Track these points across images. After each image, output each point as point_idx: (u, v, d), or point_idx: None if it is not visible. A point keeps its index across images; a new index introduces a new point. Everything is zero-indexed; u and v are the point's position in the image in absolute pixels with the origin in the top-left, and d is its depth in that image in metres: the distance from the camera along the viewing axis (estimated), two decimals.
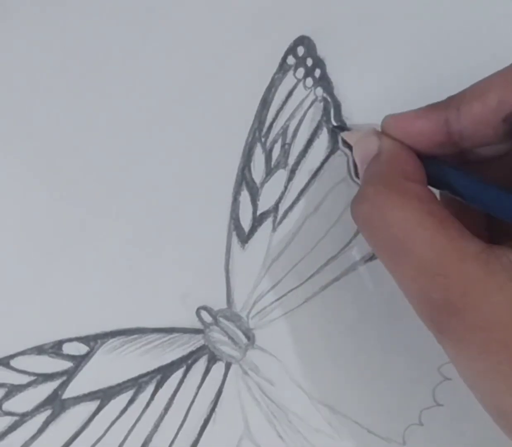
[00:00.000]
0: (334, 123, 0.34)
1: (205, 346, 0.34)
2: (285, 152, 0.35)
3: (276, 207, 0.35)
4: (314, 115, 0.35)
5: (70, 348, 0.33)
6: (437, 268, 0.24)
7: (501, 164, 0.28)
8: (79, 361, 0.33)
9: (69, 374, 0.33)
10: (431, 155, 0.27)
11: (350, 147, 0.31)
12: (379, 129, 0.29)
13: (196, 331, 0.34)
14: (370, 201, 0.25)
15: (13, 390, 0.33)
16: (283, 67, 0.35)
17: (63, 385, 0.33)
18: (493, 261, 0.24)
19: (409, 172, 0.26)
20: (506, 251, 0.24)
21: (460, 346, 0.24)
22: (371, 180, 0.26)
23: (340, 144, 0.34)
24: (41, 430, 0.33)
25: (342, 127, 0.33)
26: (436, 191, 0.28)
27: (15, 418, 0.33)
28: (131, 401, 0.33)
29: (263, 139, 0.34)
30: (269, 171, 0.34)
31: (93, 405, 0.33)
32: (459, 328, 0.24)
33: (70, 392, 0.33)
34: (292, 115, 0.35)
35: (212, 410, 0.34)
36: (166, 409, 0.33)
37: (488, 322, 0.23)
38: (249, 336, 0.34)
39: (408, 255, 0.24)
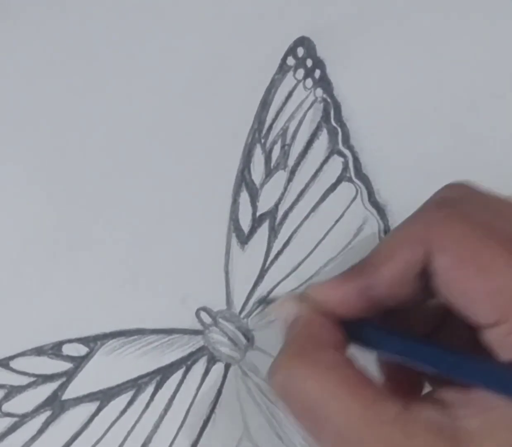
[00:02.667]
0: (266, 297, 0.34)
1: (205, 347, 0.34)
2: (285, 153, 0.35)
3: (275, 208, 0.35)
4: (314, 116, 0.35)
5: (70, 349, 0.33)
6: (355, 436, 0.24)
7: (416, 312, 0.28)
8: (79, 362, 0.33)
9: (69, 375, 0.33)
10: (357, 319, 0.27)
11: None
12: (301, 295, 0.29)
13: (196, 332, 0.34)
14: (283, 371, 0.25)
15: (12, 391, 0.33)
16: (283, 68, 0.35)
17: (63, 386, 0.33)
18: (411, 422, 0.23)
19: (322, 339, 0.26)
20: (424, 408, 0.24)
21: None
22: (285, 349, 0.26)
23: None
24: (41, 431, 0.33)
25: (272, 299, 0.34)
26: None
27: (15, 419, 0.33)
28: (130, 402, 0.33)
29: (262, 140, 0.34)
30: (269, 173, 0.34)
31: (92, 406, 0.33)
32: None
33: (69, 393, 0.33)
34: (292, 116, 0.35)
35: (212, 411, 0.34)
36: (166, 410, 0.34)
37: None
38: (249, 337, 0.34)
39: (325, 425, 0.24)
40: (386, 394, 0.24)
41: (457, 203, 0.26)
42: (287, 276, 0.34)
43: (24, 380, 0.33)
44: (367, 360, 0.27)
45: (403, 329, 0.27)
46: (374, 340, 0.27)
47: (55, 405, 0.33)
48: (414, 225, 0.26)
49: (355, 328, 0.27)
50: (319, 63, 0.35)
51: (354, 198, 0.35)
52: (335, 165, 0.35)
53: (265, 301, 0.34)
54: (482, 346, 0.25)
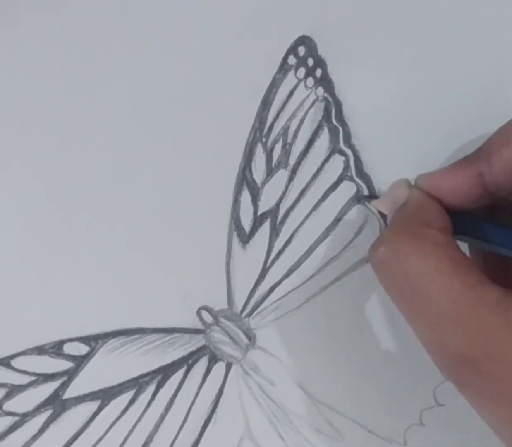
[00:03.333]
0: (365, 194, 0.34)
1: (206, 346, 0.34)
2: (286, 152, 0.35)
3: (277, 207, 0.35)
4: (315, 115, 0.35)
5: (71, 348, 0.33)
6: (454, 316, 0.23)
7: None
8: (80, 361, 0.33)
9: (70, 374, 0.33)
10: (464, 210, 0.27)
11: (382, 215, 0.31)
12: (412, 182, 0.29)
13: (197, 331, 0.34)
14: (387, 245, 0.25)
15: (13, 390, 0.33)
16: (284, 67, 0.35)
17: (64, 385, 0.33)
18: None
19: (431, 220, 0.26)
20: None
21: (481, 398, 0.24)
22: (391, 225, 0.26)
23: (371, 209, 0.34)
24: (42, 430, 0.33)
25: (372, 196, 0.34)
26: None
27: (16, 418, 0.33)
28: (132, 401, 0.33)
29: (264, 139, 0.34)
30: (270, 172, 0.34)
31: (94, 405, 0.33)
32: (478, 379, 0.23)
33: (71, 392, 0.33)
34: (293, 115, 0.35)
35: (213, 410, 0.34)
36: (167, 409, 0.33)
37: (508, 373, 0.23)
38: (250, 336, 0.34)
39: (424, 302, 0.24)
40: (488, 279, 0.24)
41: None
42: (289, 275, 0.34)
43: (25, 379, 0.33)
44: None
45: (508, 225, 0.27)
46: (480, 232, 0.27)
47: (56, 404, 0.33)
48: None
49: (461, 220, 0.27)
50: (320, 62, 0.35)
51: (355, 197, 0.35)
52: (336, 164, 0.35)
53: (366, 198, 0.33)
54: None
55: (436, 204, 0.27)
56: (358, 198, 0.34)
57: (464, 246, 0.27)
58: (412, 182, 0.29)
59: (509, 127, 0.26)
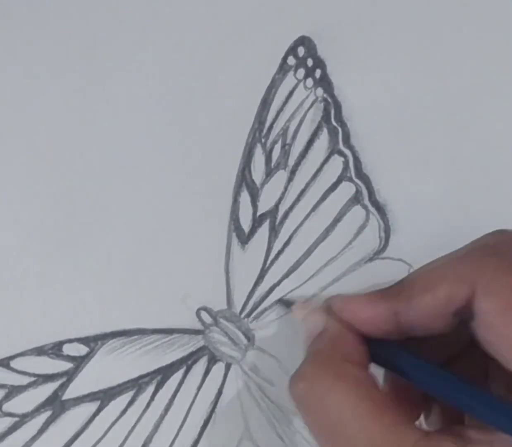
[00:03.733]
0: (283, 298, 0.34)
1: (205, 346, 0.34)
2: (285, 153, 0.35)
3: (276, 208, 0.35)
4: (314, 116, 0.35)
5: (70, 349, 0.33)
6: None
7: (443, 341, 0.28)
8: (79, 362, 0.33)
9: (69, 375, 0.33)
10: (377, 338, 0.27)
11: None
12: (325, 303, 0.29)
13: (196, 332, 0.34)
14: (307, 381, 0.25)
15: (13, 391, 0.33)
16: (283, 68, 0.35)
17: (63, 386, 0.33)
18: None
19: (350, 355, 0.26)
20: (444, 440, 0.24)
21: None
22: (311, 359, 0.26)
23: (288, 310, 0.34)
24: (41, 431, 0.33)
25: (289, 301, 0.34)
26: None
27: (15, 419, 0.33)
28: (131, 402, 0.33)
29: (263, 140, 0.34)
30: (269, 172, 0.34)
31: (93, 406, 0.33)
32: None
33: (70, 393, 0.33)
34: (292, 116, 0.35)
35: (212, 410, 0.34)
36: (166, 410, 0.34)
37: None
38: (249, 337, 0.34)
39: (342, 441, 0.24)
40: (407, 417, 0.24)
41: (505, 252, 0.26)
42: (288, 275, 0.34)
43: (24, 380, 0.33)
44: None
45: (421, 353, 0.27)
46: (396, 362, 0.27)
47: (56, 405, 0.33)
48: (460, 264, 0.26)
49: (377, 347, 0.27)
50: (319, 63, 0.35)
51: (355, 198, 0.35)
52: (336, 165, 0.35)
53: (283, 303, 0.34)
54: (495, 381, 0.25)
55: (353, 336, 0.27)
56: (276, 301, 0.34)
57: None
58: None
59: (434, 271, 0.27)
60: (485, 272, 0.25)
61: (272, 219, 0.34)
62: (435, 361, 0.28)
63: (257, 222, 0.34)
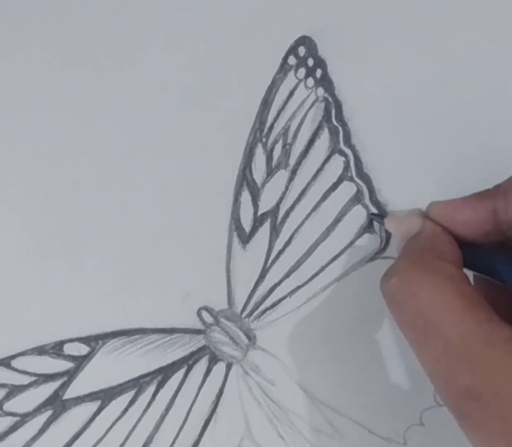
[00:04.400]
0: (372, 211, 0.34)
1: (206, 346, 0.34)
2: (286, 152, 0.35)
3: (277, 207, 0.35)
4: (315, 115, 0.35)
5: (71, 349, 0.33)
6: (463, 351, 0.23)
7: None
8: (80, 361, 0.33)
9: (70, 375, 0.33)
10: (474, 243, 0.27)
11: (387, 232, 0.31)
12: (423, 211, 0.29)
13: (197, 332, 0.34)
14: (400, 275, 0.25)
15: (14, 390, 0.33)
16: (284, 68, 0.35)
17: (64, 386, 0.33)
18: None
19: (445, 253, 0.26)
20: None
21: (481, 434, 0.24)
22: (404, 256, 0.26)
23: (376, 228, 0.34)
24: (42, 431, 0.33)
25: (380, 214, 0.34)
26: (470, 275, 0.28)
27: (16, 418, 0.33)
28: (132, 401, 0.33)
29: (264, 140, 0.34)
30: (270, 172, 0.34)
31: (94, 406, 0.33)
32: (481, 415, 0.23)
33: (71, 392, 0.33)
34: (293, 116, 0.35)
35: (213, 410, 0.34)
36: (167, 410, 0.33)
37: (511, 411, 0.23)
38: (250, 336, 0.34)
39: (434, 335, 0.24)
40: (498, 317, 0.24)
41: None
42: (289, 275, 0.34)
43: (25, 380, 0.33)
44: None
45: None
46: (491, 267, 0.26)
47: (56, 405, 0.33)
48: None
49: (472, 252, 0.27)
50: (320, 63, 0.35)
51: (355, 197, 0.35)
52: (336, 165, 0.35)
53: (375, 216, 0.33)
54: None
55: (449, 237, 0.27)
56: (367, 216, 0.34)
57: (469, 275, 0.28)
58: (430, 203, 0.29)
59: None
60: None
61: (273, 219, 0.34)
62: None
63: (258, 222, 0.34)
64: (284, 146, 0.35)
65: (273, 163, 0.34)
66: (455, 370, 0.23)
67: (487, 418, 0.23)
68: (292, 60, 0.35)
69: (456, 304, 0.24)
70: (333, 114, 0.35)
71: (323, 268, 0.35)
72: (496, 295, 0.28)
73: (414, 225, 0.28)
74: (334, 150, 0.35)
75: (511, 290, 0.27)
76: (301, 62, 0.35)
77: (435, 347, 0.24)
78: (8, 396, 0.33)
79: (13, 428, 0.32)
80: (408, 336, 0.25)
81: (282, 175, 0.35)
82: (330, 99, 0.35)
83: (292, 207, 0.35)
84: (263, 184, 0.34)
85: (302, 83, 0.35)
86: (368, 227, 0.35)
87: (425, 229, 0.27)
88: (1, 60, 0.34)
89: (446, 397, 0.24)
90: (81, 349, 0.33)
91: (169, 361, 0.34)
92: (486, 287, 0.28)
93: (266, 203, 0.34)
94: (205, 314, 0.34)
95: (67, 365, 0.33)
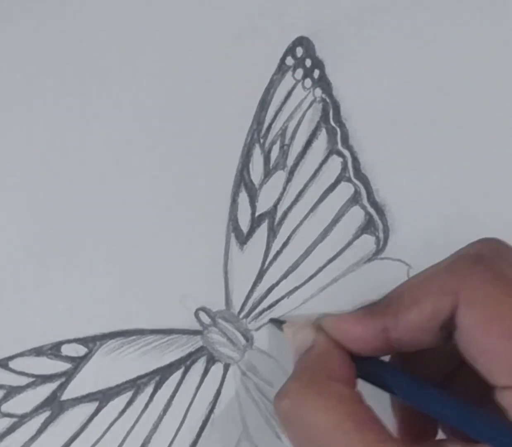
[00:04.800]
0: (274, 317, 0.34)
1: (204, 347, 0.34)
2: (284, 153, 0.35)
3: (274, 208, 0.35)
4: (313, 116, 0.35)
5: (69, 350, 0.33)
6: None
7: (436, 357, 0.28)
8: (78, 362, 0.33)
9: (68, 376, 0.33)
10: (367, 356, 0.27)
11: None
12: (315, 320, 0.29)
13: (195, 332, 0.34)
14: (292, 397, 0.25)
15: (11, 391, 0.33)
16: (282, 68, 0.35)
17: (62, 387, 0.33)
18: None
19: (336, 372, 0.26)
20: None
21: None
22: (295, 376, 0.26)
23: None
24: (40, 432, 0.33)
25: (279, 320, 0.33)
26: None
27: (14, 419, 0.33)
28: (129, 402, 0.33)
29: (261, 141, 0.34)
30: (268, 173, 0.34)
31: (91, 407, 0.33)
32: None
33: (68, 393, 0.33)
34: (290, 116, 0.35)
35: (211, 411, 0.34)
36: (165, 410, 0.34)
37: None
38: (248, 337, 0.34)
39: None
40: (390, 435, 0.24)
41: (490, 261, 0.25)
42: (286, 276, 0.34)
43: (23, 381, 0.33)
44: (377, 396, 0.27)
45: (416, 371, 0.27)
46: (384, 379, 0.27)
47: (54, 406, 0.33)
48: (444, 275, 0.26)
49: (366, 365, 0.27)
50: (318, 63, 0.35)
51: (353, 198, 0.35)
52: (334, 165, 0.35)
53: (274, 322, 0.34)
54: (493, 402, 0.24)
55: (342, 353, 0.27)
56: (270, 320, 0.34)
57: None
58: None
59: (420, 284, 0.26)
60: (468, 282, 0.25)
61: (270, 219, 0.34)
62: (432, 379, 0.27)
63: (255, 222, 0.34)
64: (281, 147, 0.35)
65: (271, 164, 0.34)
66: None
67: None
68: (289, 61, 0.35)
69: (345, 426, 0.24)
70: (331, 115, 0.35)
71: (320, 269, 0.34)
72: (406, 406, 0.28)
73: (307, 338, 0.28)
74: (332, 151, 0.35)
75: (402, 401, 0.27)
76: (299, 62, 0.35)
77: None
78: (5, 397, 0.33)
79: (11, 429, 0.33)
80: None
81: (279, 176, 0.35)
82: (327, 100, 0.35)
83: (289, 208, 0.35)
84: (261, 185, 0.34)
85: (300, 84, 0.35)
86: (366, 228, 0.35)
87: (318, 343, 0.27)
88: (1, 60, 0.34)
89: None
90: (79, 350, 0.33)
91: (167, 361, 0.34)
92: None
93: (263, 204, 0.34)
94: (202, 315, 0.34)
95: (64, 366, 0.33)
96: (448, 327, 0.25)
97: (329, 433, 0.24)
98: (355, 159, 0.35)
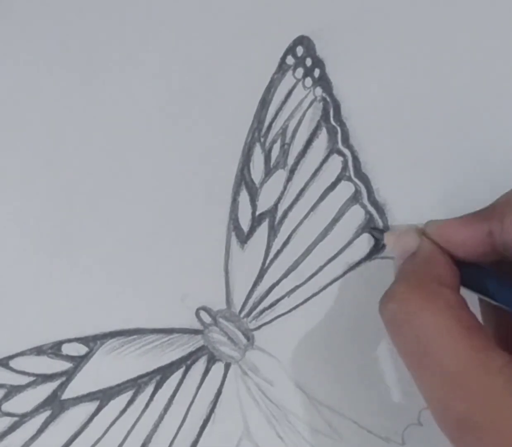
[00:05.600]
0: (374, 226, 0.34)
1: (205, 346, 0.34)
2: (284, 152, 0.35)
3: (275, 207, 0.35)
4: (313, 115, 0.35)
5: (69, 349, 0.33)
6: (459, 379, 0.23)
7: None
8: (79, 361, 0.33)
9: (69, 375, 0.33)
10: (470, 262, 0.27)
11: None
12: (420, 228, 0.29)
13: (196, 332, 0.34)
14: (398, 300, 0.25)
15: (12, 390, 0.33)
16: (282, 67, 0.35)
17: (63, 386, 0.33)
18: None
19: (443, 277, 0.26)
20: None
21: None
22: (403, 279, 0.26)
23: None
24: (40, 431, 0.33)
25: (380, 229, 0.33)
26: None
27: (15, 418, 0.33)
28: (130, 401, 0.33)
29: (262, 140, 0.34)
30: (268, 172, 0.34)
31: (92, 406, 0.33)
32: (476, 443, 0.23)
33: (69, 392, 0.33)
34: (291, 115, 0.35)
35: (212, 410, 0.34)
36: (166, 410, 0.33)
37: (507, 442, 0.22)
38: (249, 336, 0.34)
39: (431, 361, 0.24)
40: (495, 343, 0.24)
41: None
42: (287, 275, 0.34)
43: (23, 380, 0.33)
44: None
45: None
46: (487, 286, 0.26)
47: (55, 405, 0.33)
48: None
49: (470, 271, 0.27)
50: (318, 62, 0.35)
51: (354, 197, 0.35)
52: (335, 165, 0.35)
53: (375, 230, 0.33)
54: None
55: (446, 258, 0.27)
56: (367, 229, 0.34)
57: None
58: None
59: None
60: None
61: (271, 218, 0.34)
62: None
63: (256, 222, 0.34)
64: (282, 146, 0.35)
65: (271, 163, 0.34)
66: (451, 398, 0.24)
67: (482, 446, 0.23)
68: (290, 60, 0.35)
69: (453, 331, 0.24)
70: (331, 114, 0.35)
71: (321, 268, 0.35)
72: (500, 317, 0.28)
73: (411, 243, 0.28)
74: (333, 150, 0.35)
75: (506, 310, 0.27)
76: (299, 62, 0.35)
77: (431, 374, 0.24)
78: (6, 396, 0.33)
79: (11, 429, 0.32)
80: (405, 361, 0.25)
81: (280, 175, 0.35)
82: (328, 99, 0.35)
83: (290, 207, 0.35)
84: (262, 184, 0.34)
85: (300, 83, 0.35)
86: (366, 226, 0.35)
87: (422, 248, 0.27)
88: (1, 60, 0.34)
89: (444, 425, 0.24)
90: (80, 349, 0.33)
91: (168, 361, 0.34)
92: (492, 308, 0.28)
93: (264, 203, 0.34)
94: (203, 314, 0.34)
95: (65, 365, 0.33)
96: None
97: (436, 337, 0.24)
98: (355, 159, 0.35)
